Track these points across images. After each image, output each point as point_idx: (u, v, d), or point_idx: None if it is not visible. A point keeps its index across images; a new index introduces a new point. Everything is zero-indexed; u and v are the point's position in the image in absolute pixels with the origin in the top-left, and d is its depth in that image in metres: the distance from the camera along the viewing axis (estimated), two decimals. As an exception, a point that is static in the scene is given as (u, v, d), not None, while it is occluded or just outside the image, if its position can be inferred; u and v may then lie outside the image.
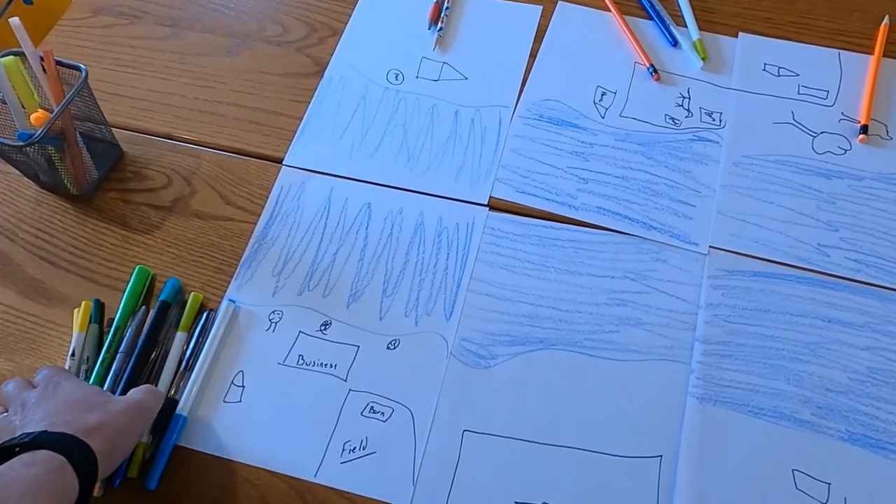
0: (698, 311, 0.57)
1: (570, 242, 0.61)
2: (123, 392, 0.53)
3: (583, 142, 0.66)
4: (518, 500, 0.50)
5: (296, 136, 0.68)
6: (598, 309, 0.57)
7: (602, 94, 0.69)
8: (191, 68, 0.73)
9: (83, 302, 0.58)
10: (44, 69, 0.60)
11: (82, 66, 0.59)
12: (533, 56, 0.72)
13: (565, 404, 0.53)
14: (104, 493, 0.50)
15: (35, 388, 0.49)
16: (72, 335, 0.57)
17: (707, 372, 0.54)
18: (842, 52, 0.70)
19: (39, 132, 0.56)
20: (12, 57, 0.59)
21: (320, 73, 0.72)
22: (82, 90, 0.59)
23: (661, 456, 0.51)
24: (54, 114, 0.57)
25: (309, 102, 0.70)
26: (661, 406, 0.53)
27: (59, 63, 0.60)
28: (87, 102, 0.61)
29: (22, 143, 0.56)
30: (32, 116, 0.58)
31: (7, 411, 0.48)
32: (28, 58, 0.59)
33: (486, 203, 0.63)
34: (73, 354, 0.56)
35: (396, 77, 0.71)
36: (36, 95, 0.61)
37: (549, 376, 0.55)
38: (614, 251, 0.60)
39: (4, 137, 0.57)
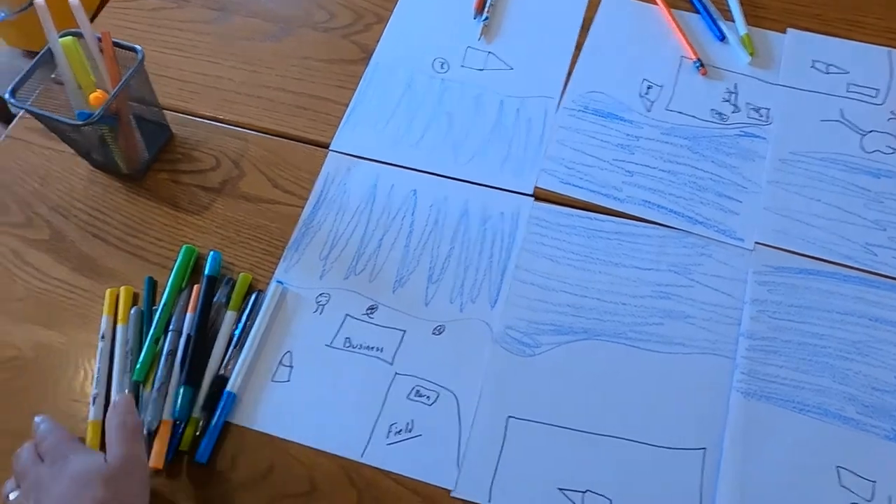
0: (743, 306, 0.57)
1: (614, 234, 0.61)
2: (182, 371, 0.54)
3: (628, 134, 0.66)
4: (561, 487, 0.51)
5: (342, 121, 0.69)
6: (643, 301, 0.58)
7: (648, 88, 0.69)
8: (237, 52, 0.74)
9: (108, 290, 0.59)
10: (101, 50, 0.61)
11: (139, 48, 0.60)
12: (578, 47, 0.72)
13: (609, 394, 0.54)
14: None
15: (43, 460, 0.47)
16: (114, 314, 0.58)
17: (752, 367, 0.54)
18: (892, 50, 0.69)
19: (99, 111, 0.57)
20: (71, 37, 0.60)
21: (366, 60, 0.73)
22: (138, 71, 0.60)
23: (704, 449, 0.52)
24: (113, 93, 0.58)
25: (355, 89, 0.71)
26: (704, 399, 0.53)
27: (116, 44, 0.61)
28: (142, 84, 0.62)
29: (82, 123, 0.57)
30: (91, 96, 0.59)
31: (19, 487, 0.47)
32: (86, 38, 0.60)
33: (531, 193, 0.63)
34: (102, 337, 0.58)
35: (442, 66, 0.72)
36: (92, 75, 0.62)
37: (593, 366, 0.55)
38: (659, 244, 0.60)
39: (62, 116, 0.58)
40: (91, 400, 0.55)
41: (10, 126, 0.71)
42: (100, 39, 0.61)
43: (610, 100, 0.68)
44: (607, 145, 0.65)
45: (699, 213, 0.61)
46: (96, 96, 0.59)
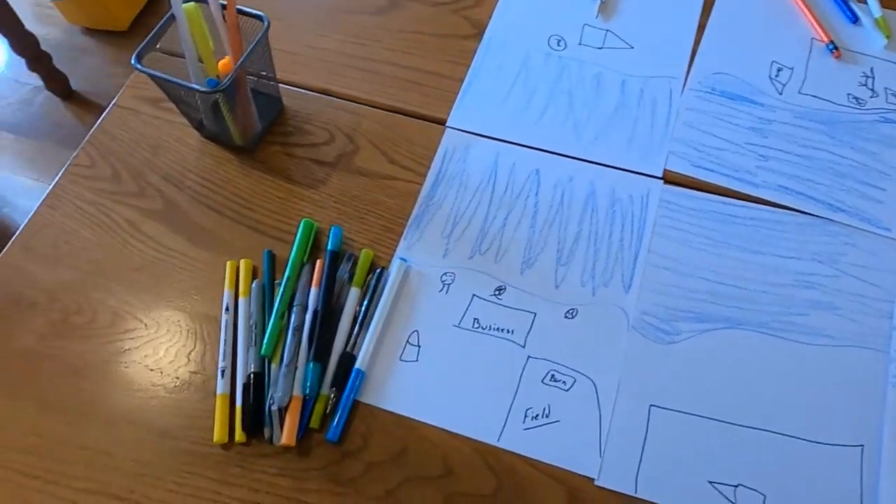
0: (895, 298, 0.54)
1: (750, 220, 0.58)
2: (310, 347, 0.53)
3: (760, 118, 0.63)
4: (712, 480, 0.49)
5: (457, 98, 0.67)
6: (784, 290, 0.55)
7: (778, 70, 0.66)
8: (343, 25, 0.72)
9: (228, 263, 0.58)
10: (224, 17, 0.59)
11: (264, 16, 0.59)
12: (701, 28, 0.69)
13: (755, 385, 0.52)
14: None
15: None
16: (234, 286, 0.57)
17: (908, 362, 0.51)
18: None
19: (228, 78, 0.55)
20: (193, 4, 0.59)
21: (478, 36, 0.70)
22: (261, 41, 0.59)
23: (862, 446, 0.49)
24: (242, 58, 0.57)
25: (468, 65, 0.69)
26: (858, 394, 0.51)
27: (240, 11, 0.60)
28: (263, 54, 0.61)
29: (211, 90, 0.56)
30: (220, 63, 0.57)
31: None
32: (210, 5, 0.59)
33: (660, 176, 0.61)
34: (226, 309, 0.56)
35: (558, 43, 0.69)
36: (211, 44, 0.60)
37: (737, 356, 0.53)
38: (798, 232, 0.57)
39: (190, 83, 0.57)
40: (219, 373, 0.53)
41: (118, 96, 0.70)
42: (224, 6, 0.59)
43: (738, 81, 0.65)
44: (738, 128, 0.63)
45: (840, 200, 0.59)
46: (224, 62, 0.57)
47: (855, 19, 0.68)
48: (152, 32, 0.59)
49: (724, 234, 0.58)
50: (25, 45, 1.52)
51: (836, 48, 0.66)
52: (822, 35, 0.67)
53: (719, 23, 0.69)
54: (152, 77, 0.57)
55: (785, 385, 0.51)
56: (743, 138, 0.62)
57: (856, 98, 0.63)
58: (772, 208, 0.59)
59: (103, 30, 1.76)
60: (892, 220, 0.57)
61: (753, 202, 0.59)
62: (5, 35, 1.49)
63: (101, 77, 1.71)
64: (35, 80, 1.66)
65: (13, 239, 0.61)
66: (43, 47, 1.57)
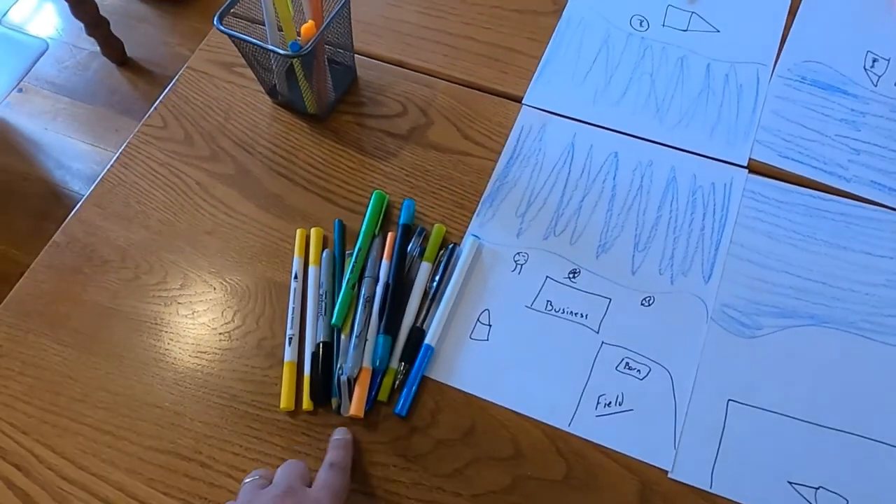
0: None
1: (840, 216, 0.56)
2: (380, 319, 0.52)
3: (853, 109, 0.60)
4: (791, 481, 0.47)
5: (535, 75, 0.65)
6: (876, 290, 0.53)
7: (874, 61, 0.63)
8: (419, -4, 0.71)
9: (298, 231, 0.58)
10: (306, -19, 0.59)
11: (347, -19, 0.58)
12: (792, 13, 0.66)
13: (841, 386, 0.50)
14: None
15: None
16: (304, 254, 0.57)
17: None
18: None
19: (311, 43, 0.55)
20: (275, -33, 0.58)
21: (558, 13, 0.69)
22: (344, 7, 0.58)
23: (954, 455, 0.47)
24: (325, 23, 0.56)
25: (547, 42, 0.67)
26: (951, 402, 0.49)
27: (321, -24, 0.59)
28: (344, 22, 0.60)
29: (294, 54, 0.55)
30: (303, 27, 0.56)
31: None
32: (294, -32, 0.58)
33: (745, 165, 0.59)
34: (295, 277, 0.56)
35: (641, 23, 0.67)
36: (291, 9, 0.60)
37: (822, 355, 0.51)
38: (893, 230, 0.55)
39: (273, 46, 0.56)
40: (287, 341, 0.53)
41: (191, 58, 0.69)
42: (306, -30, 0.58)
43: (830, 71, 0.63)
44: (829, 119, 0.60)
45: (938, 200, 0.56)
46: (307, 27, 0.56)
47: (959, 11, 0.64)
48: (233, -5, 0.58)
49: (812, 229, 0.56)
50: (85, 10, 1.54)
51: (937, 40, 0.63)
52: (923, 26, 0.63)
53: (812, 8, 0.66)
54: (234, 38, 0.57)
55: (872, 387, 0.49)
56: (834, 130, 0.60)
57: (957, 94, 0.60)
58: (864, 204, 0.56)
59: (160, -2, 1.78)
60: None
61: (844, 197, 0.57)
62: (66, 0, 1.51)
63: (156, 45, 1.72)
64: (91, 45, 1.68)
65: (87, 195, 0.62)
66: (101, 13, 1.59)
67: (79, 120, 1.62)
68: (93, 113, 1.63)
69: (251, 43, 0.56)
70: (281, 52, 0.55)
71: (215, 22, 0.57)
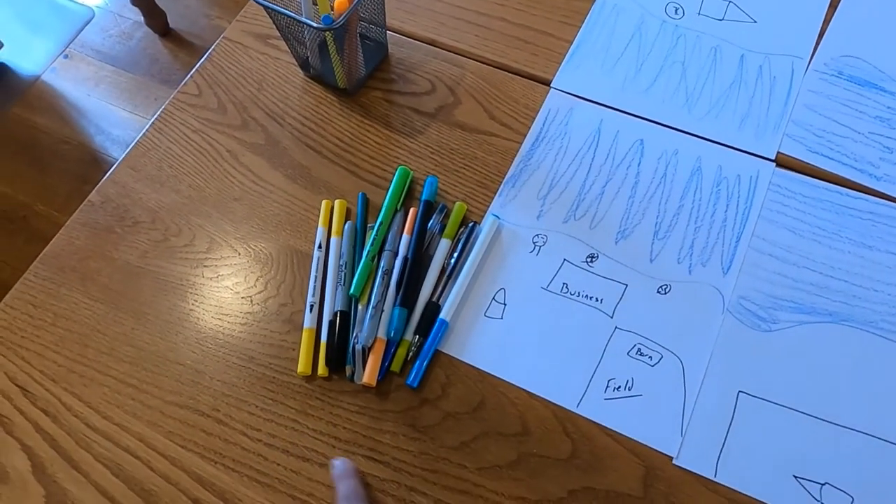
0: None
1: (868, 214, 0.55)
2: (397, 292, 0.53)
3: (889, 107, 0.59)
4: (797, 475, 0.47)
5: (565, 59, 0.65)
6: (898, 291, 0.52)
7: (915, 58, 0.61)
8: (455, -23, 0.71)
9: (323, 202, 0.59)
10: (342, -45, 0.59)
11: (382, -43, 0.58)
12: (833, 6, 0.65)
13: (856, 385, 0.49)
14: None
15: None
16: (328, 226, 0.58)
17: None
18: None
19: (344, 16, 0.55)
20: (312, -59, 0.59)
21: (593, -2, 0.68)
22: (379, -19, 0.58)
23: (966, 461, 0.46)
24: (354, 2, 0.56)
25: (580, 26, 0.67)
26: (968, 407, 0.48)
27: (358, -49, 0.59)
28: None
29: (326, 27, 0.56)
30: (336, 2, 0.57)
31: None
32: (330, -58, 0.59)
33: (772, 158, 0.58)
34: (318, 247, 0.57)
35: (676, 11, 0.66)
36: (325, -18, 0.60)
37: (839, 352, 0.50)
38: (920, 232, 0.54)
39: (306, 18, 0.57)
40: (308, 308, 0.55)
41: (227, 29, 0.71)
42: (343, -56, 0.59)
43: (868, 67, 0.61)
44: (863, 116, 0.59)
45: (971, 203, 0.55)
46: (341, 2, 0.57)
47: None
48: (271, -33, 0.59)
49: (838, 226, 0.55)
50: (157, 20, 1.57)
51: (983, 40, 0.61)
52: (969, 24, 0.62)
53: (854, 2, 0.65)
54: (268, 9, 0.58)
55: (887, 387, 0.49)
56: (867, 127, 0.59)
57: None
58: (893, 203, 0.55)
59: (204, -29, 1.80)
60: None
61: (873, 195, 0.56)
62: (114, -32, 1.53)
63: (197, 17, 1.75)
64: (136, 14, 1.72)
65: (122, 158, 0.64)
66: None
67: (120, 87, 1.66)
68: (134, 81, 1.67)
69: (285, 15, 0.57)
70: (314, 24, 0.56)
71: (252, -7, 0.58)
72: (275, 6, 0.57)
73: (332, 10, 0.58)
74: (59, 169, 1.57)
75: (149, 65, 1.68)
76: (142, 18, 1.70)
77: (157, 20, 1.69)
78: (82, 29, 1.75)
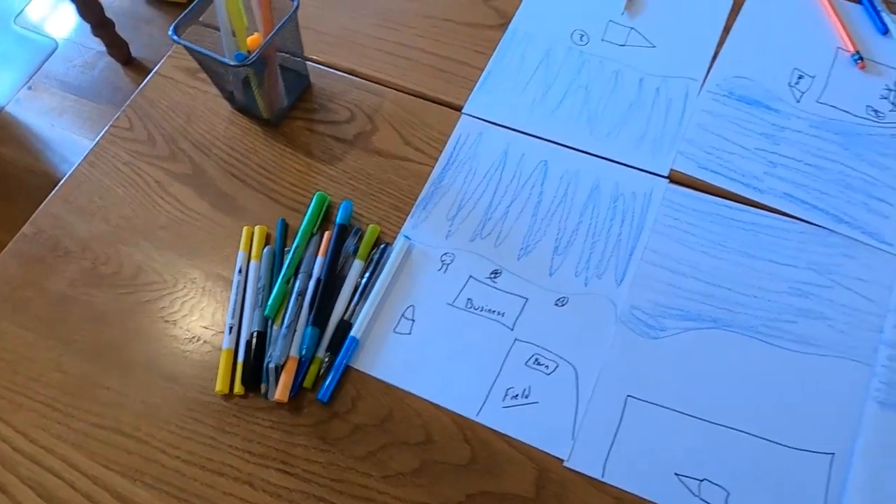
0: (887, 313, 0.54)
1: (751, 225, 0.59)
2: (310, 312, 0.56)
3: (774, 124, 0.63)
4: (678, 473, 0.50)
5: (476, 86, 0.69)
6: (778, 297, 0.56)
7: (799, 77, 0.65)
8: (379, 10, 0.75)
9: (244, 228, 0.62)
10: (258, -5, 0.63)
11: (294, -4, 0.62)
12: (727, 30, 0.69)
13: (735, 387, 0.53)
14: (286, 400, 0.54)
15: None
16: (249, 251, 0.61)
17: (892, 377, 0.52)
18: None
19: (256, 52, 0.59)
20: (230, -19, 0.62)
21: (504, 27, 0.72)
22: (292, 19, 0.62)
23: (832, 454, 0.50)
24: (269, 35, 0.60)
25: (491, 54, 0.71)
26: (837, 404, 0.51)
27: (272, -10, 0.63)
28: (292, 32, 0.64)
29: (237, 63, 0.59)
30: (249, 39, 0.61)
31: None
32: (246, -17, 0.62)
33: (666, 175, 0.62)
34: (239, 271, 0.60)
35: (581, 38, 0.70)
36: (245, 20, 0.64)
37: (720, 356, 0.54)
38: (799, 240, 0.58)
39: (218, 55, 0.60)
40: (227, 330, 0.57)
41: (159, 65, 0.74)
42: (258, -15, 0.62)
43: (756, 86, 0.65)
44: (751, 133, 0.63)
45: (845, 212, 0.58)
46: (253, 39, 0.61)
47: (885, 30, 0.67)
48: (192, 6, 0.63)
49: (723, 237, 0.59)
50: (90, 11, 1.60)
51: (861, 59, 0.65)
52: (849, 44, 0.66)
53: (745, 26, 0.69)
54: (187, 48, 0.61)
55: (763, 388, 0.52)
56: (754, 144, 0.63)
57: (875, 111, 0.63)
58: (775, 215, 0.59)
59: (166, 0, 1.84)
60: (895, 235, 0.57)
61: (758, 208, 0.60)
62: (73, 1, 1.57)
63: (160, 46, 1.78)
64: (98, 45, 1.75)
65: (55, 191, 0.67)
66: (108, 14, 1.65)
67: (83, 117, 1.68)
68: (97, 110, 1.69)
69: (202, 53, 0.60)
70: (226, 61, 0.59)
71: (171, 33, 0.61)
72: (192, 45, 0.61)
73: (247, 46, 0.61)
74: (23, 198, 1.59)
75: (111, 94, 1.71)
76: (104, 48, 1.73)
77: (119, 49, 1.72)
78: (45, 61, 1.78)
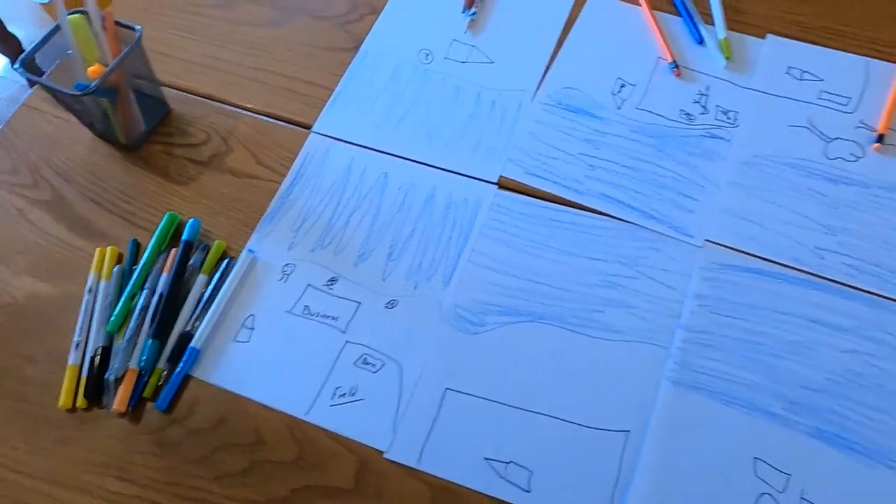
0: (685, 300, 0.59)
1: (570, 225, 0.63)
2: (151, 325, 0.59)
3: (596, 130, 0.68)
4: (487, 457, 0.54)
5: (326, 105, 0.73)
6: (589, 289, 0.60)
7: (621, 86, 0.70)
8: (240, 36, 0.79)
9: (97, 249, 0.64)
10: (104, 27, 0.66)
11: (137, 27, 0.65)
12: (560, 44, 0.74)
13: (544, 374, 0.56)
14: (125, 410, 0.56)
15: None
16: (100, 271, 0.64)
17: (685, 358, 0.56)
18: (871, 60, 0.70)
19: (94, 84, 0.62)
20: (79, 15, 0.66)
21: (356, 49, 0.76)
22: (136, 49, 0.65)
23: (628, 431, 0.54)
24: (109, 67, 0.63)
25: (342, 75, 0.75)
26: (636, 385, 0.56)
27: (117, 23, 0.66)
28: (140, 60, 0.67)
29: (79, 93, 0.62)
30: (89, 70, 0.64)
31: None
32: (91, 16, 0.66)
33: (495, 182, 0.66)
34: (89, 290, 0.63)
35: (426, 57, 0.75)
36: (97, 51, 0.67)
37: (533, 347, 0.58)
38: (611, 236, 0.62)
39: (65, 87, 0.64)
40: (73, 346, 0.60)
41: (27, 96, 0.77)
42: (104, 18, 0.66)
43: (583, 96, 0.70)
44: (574, 140, 0.68)
45: (655, 209, 0.63)
46: (94, 70, 0.64)
47: (700, 40, 0.72)
48: (40, 39, 0.66)
49: (545, 237, 0.63)
50: (9, 45, 1.62)
51: (677, 66, 0.70)
52: (668, 54, 0.71)
53: (576, 40, 0.74)
54: (34, 81, 0.64)
55: (569, 374, 0.56)
56: (577, 149, 0.67)
57: (687, 114, 0.68)
58: (593, 214, 0.64)
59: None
60: (698, 228, 0.62)
61: (577, 208, 0.64)
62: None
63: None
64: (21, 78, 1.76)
65: (-83, 222, 0.69)
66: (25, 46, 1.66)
67: (5, 150, 1.69)
68: None
69: (45, 84, 0.63)
70: (68, 92, 0.63)
71: (16, 66, 0.64)
72: (36, 77, 0.64)
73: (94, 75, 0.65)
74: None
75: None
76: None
77: (9, 45, 1.69)
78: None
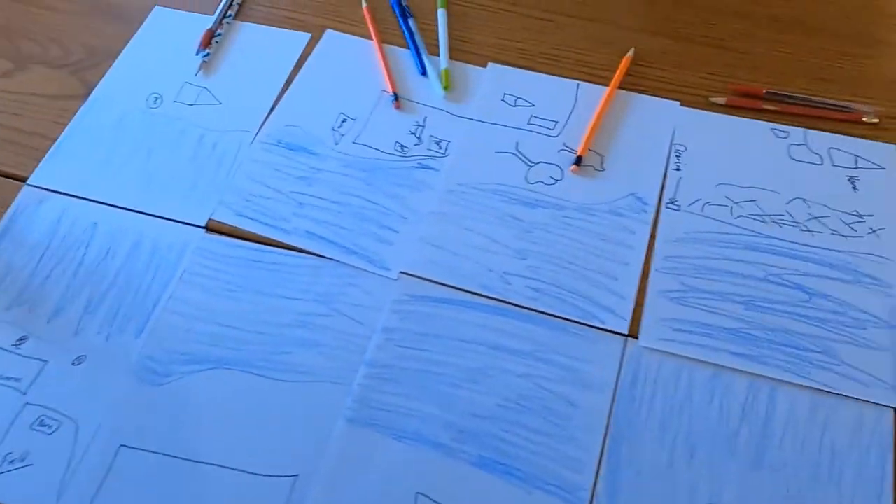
0: (373, 335, 0.58)
1: (272, 265, 0.63)
2: None
3: (312, 167, 0.68)
4: (155, 515, 0.52)
5: (46, 156, 0.71)
6: (281, 330, 0.59)
7: (343, 121, 0.71)
8: (-30, 89, 0.76)
9: None
10: None
11: None
12: (289, 83, 0.74)
13: (220, 423, 0.55)
14: None
15: None
16: None
17: (364, 394, 0.56)
18: (581, 83, 0.72)
19: None
20: None
21: (86, 96, 0.75)
22: None
23: (297, 475, 0.53)
24: None
25: (67, 124, 0.73)
26: (313, 427, 0.55)
27: None
28: None
29: None
30: None
31: None
32: None
33: (203, 225, 0.65)
34: None
35: (155, 100, 0.74)
36: None
37: (215, 395, 0.56)
38: (312, 275, 0.62)
39: None
40: None
41: None
42: None
43: (303, 133, 0.70)
44: (288, 178, 0.67)
45: (357, 243, 0.63)
46: None
47: (423, 71, 0.73)
48: None
49: (245, 280, 0.62)
50: None
51: (397, 98, 0.71)
52: (390, 86, 0.72)
53: (305, 77, 0.74)
54: None
55: (244, 420, 0.55)
56: (290, 187, 0.67)
57: (402, 146, 0.69)
58: (296, 253, 0.63)
59: None
60: (394, 261, 0.62)
61: (282, 248, 0.64)
62: None
63: None
64: None
65: None
66: None
67: None
68: None
69: None
70: None
71: None
72: None
73: None
74: None
75: None
76: None
77: None
78: None
